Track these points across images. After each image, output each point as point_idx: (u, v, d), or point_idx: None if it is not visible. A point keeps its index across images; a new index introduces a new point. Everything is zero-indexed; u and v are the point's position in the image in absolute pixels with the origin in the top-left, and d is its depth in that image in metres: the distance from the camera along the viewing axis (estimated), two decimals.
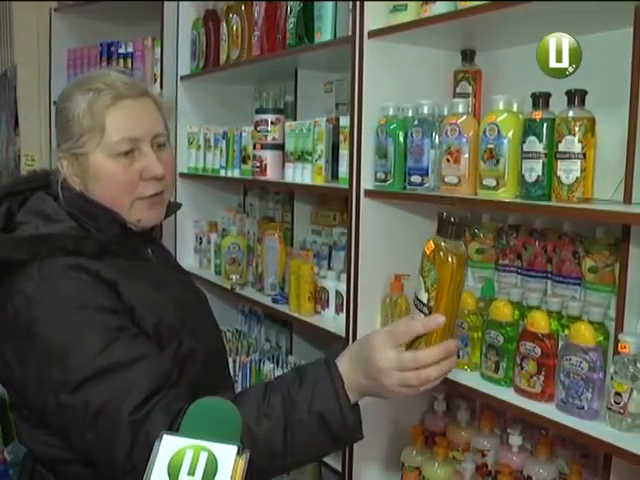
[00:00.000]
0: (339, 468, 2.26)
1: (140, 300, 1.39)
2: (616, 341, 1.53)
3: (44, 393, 1.28)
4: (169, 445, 0.82)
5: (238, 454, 0.81)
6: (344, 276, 2.26)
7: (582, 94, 1.56)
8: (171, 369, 1.36)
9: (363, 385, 1.27)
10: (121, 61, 3.89)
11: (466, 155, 1.77)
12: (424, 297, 1.24)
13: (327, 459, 2.40)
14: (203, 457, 0.80)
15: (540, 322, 1.66)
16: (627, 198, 1.51)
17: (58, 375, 1.26)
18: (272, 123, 2.58)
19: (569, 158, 1.55)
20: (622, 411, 1.48)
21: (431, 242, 1.23)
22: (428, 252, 1.23)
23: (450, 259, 1.20)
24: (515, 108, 1.72)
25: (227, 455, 0.81)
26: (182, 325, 1.46)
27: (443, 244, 1.21)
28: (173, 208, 1.65)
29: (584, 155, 1.53)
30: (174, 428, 1.16)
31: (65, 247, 1.36)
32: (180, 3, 3.21)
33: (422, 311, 1.24)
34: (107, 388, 1.25)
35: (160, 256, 1.62)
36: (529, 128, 1.63)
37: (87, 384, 1.25)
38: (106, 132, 1.42)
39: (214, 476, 0.79)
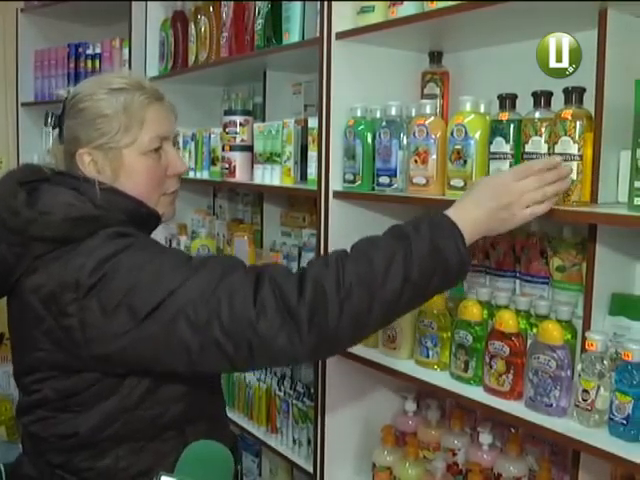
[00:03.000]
0: (310, 469, 2.26)
1: None
2: (583, 339, 1.55)
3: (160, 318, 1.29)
4: None
5: None
6: None
7: (548, 95, 1.58)
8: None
9: (477, 218, 1.39)
10: (89, 62, 3.86)
11: (434, 156, 1.78)
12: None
13: (298, 460, 2.40)
14: None
15: (509, 321, 1.68)
16: (593, 198, 1.53)
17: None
18: (241, 124, 2.57)
19: (536, 159, 1.56)
20: (589, 408, 1.49)
21: None
22: None
23: None
24: (482, 109, 1.73)
25: None
26: None
27: None
28: None
29: (550, 156, 1.55)
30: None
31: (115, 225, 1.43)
32: (148, 4, 3.18)
33: None
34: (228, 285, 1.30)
35: None
36: (496, 129, 1.64)
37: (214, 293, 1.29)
38: (143, 129, 1.50)
39: None
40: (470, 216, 1.38)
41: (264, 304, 1.26)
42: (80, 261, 1.34)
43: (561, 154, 1.51)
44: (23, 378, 1.47)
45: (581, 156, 1.50)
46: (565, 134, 1.50)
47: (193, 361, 1.31)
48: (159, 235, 3.24)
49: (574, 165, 1.50)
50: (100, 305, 1.30)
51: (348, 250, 1.36)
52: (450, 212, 1.38)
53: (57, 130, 1.56)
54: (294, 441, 2.46)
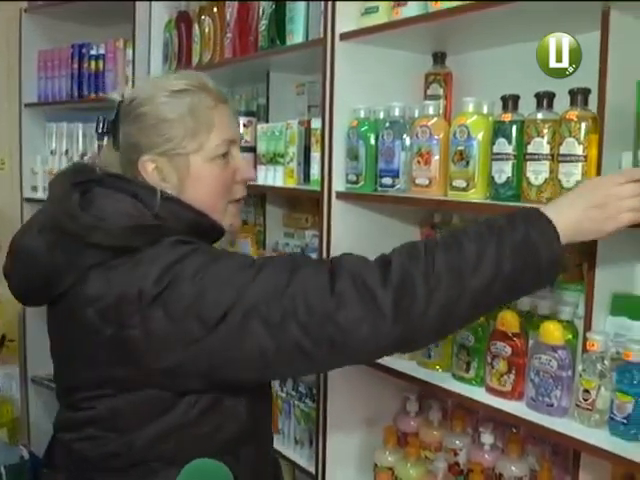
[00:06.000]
0: (312, 470, 2.27)
1: None
2: (585, 339, 1.55)
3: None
4: None
5: None
6: None
7: (550, 97, 1.58)
8: None
9: (570, 217, 1.31)
10: (93, 63, 3.86)
11: (436, 157, 1.79)
12: None
13: (300, 460, 2.40)
14: None
15: (510, 321, 1.68)
16: None
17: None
18: (244, 126, 2.57)
19: (538, 160, 1.57)
20: (590, 408, 1.49)
21: None
22: None
23: None
24: (485, 110, 1.73)
25: None
26: None
27: None
28: None
29: (552, 157, 1.55)
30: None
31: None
32: (152, 4, 3.18)
33: None
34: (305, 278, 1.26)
35: None
36: (498, 130, 1.65)
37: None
38: (212, 134, 1.43)
39: None
40: (563, 216, 1.30)
41: (343, 294, 1.21)
42: (143, 270, 1.28)
43: (566, 155, 1.52)
44: (72, 394, 1.39)
45: (586, 157, 1.50)
46: (570, 135, 1.50)
47: (269, 364, 1.27)
48: None
49: (579, 166, 1.50)
50: (166, 314, 1.25)
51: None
52: (545, 209, 1.32)
53: (110, 136, 1.48)
54: (296, 441, 2.46)
